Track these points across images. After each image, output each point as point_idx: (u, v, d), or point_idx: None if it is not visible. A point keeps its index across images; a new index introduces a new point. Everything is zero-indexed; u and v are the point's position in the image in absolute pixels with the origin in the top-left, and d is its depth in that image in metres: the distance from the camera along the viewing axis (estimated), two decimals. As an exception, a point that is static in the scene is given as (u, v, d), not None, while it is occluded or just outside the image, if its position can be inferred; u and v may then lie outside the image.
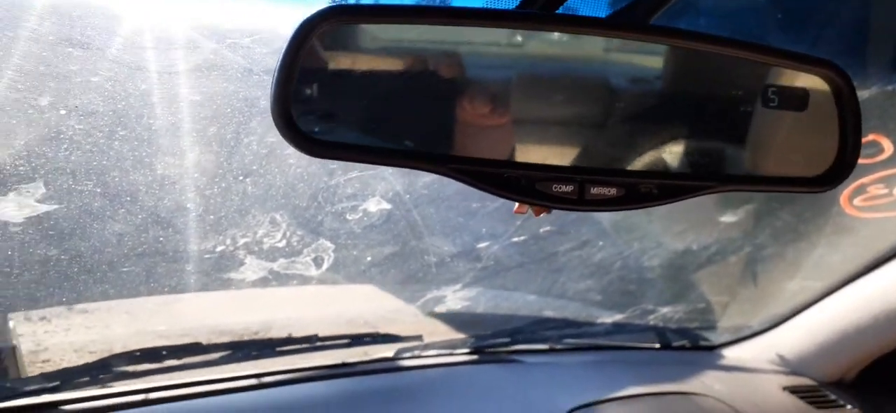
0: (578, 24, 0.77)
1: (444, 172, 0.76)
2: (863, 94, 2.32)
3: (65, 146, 2.14)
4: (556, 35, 0.78)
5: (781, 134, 0.86)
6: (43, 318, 2.93)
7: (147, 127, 2.13)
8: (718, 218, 3.43)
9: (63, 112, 1.99)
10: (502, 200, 0.84)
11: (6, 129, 2.03)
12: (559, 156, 0.79)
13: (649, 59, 0.81)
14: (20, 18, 1.75)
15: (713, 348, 3.60)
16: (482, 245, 3.33)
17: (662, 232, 3.74)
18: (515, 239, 3.40)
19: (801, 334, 3.11)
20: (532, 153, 0.78)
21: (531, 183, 0.76)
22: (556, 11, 0.80)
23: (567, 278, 3.69)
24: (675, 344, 3.53)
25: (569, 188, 0.76)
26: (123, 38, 1.84)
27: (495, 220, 3.25)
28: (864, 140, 2.79)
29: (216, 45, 1.95)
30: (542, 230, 3.40)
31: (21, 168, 2.16)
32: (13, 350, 2.69)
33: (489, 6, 0.84)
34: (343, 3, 0.82)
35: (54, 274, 2.67)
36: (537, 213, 0.94)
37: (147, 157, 2.27)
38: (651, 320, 3.78)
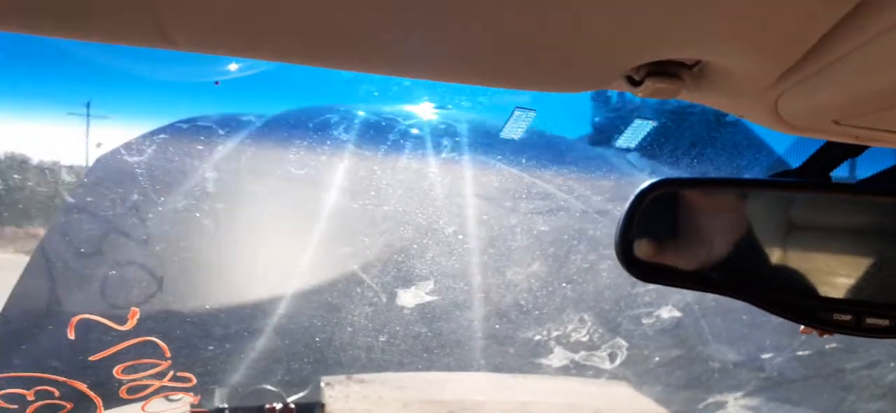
0: (847, 191, 0.94)
1: (745, 299, 0.94)
2: None
3: (453, 258, 3.31)
4: (831, 197, 0.96)
5: None
6: (327, 384, 3.93)
7: (508, 247, 3.21)
8: None
9: (460, 237, 3.16)
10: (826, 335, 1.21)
11: (422, 247, 3.26)
12: (840, 289, 0.94)
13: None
14: (449, 182, 2.95)
15: None
16: (766, 355, 3.79)
17: (969, 360, 3.77)
18: (800, 352, 3.78)
19: None
20: (818, 286, 0.94)
21: (815, 311, 0.92)
22: (829, 179, 0.94)
23: (856, 397, 3.91)
24: None
25: (847, 317, 0.90)
26: (506, 191, 2.93)
27: (780, 334, 3.70)
28: None
29: (566, 195, 2.95)
30: (827, 346, 3.73)
31: (424, 271, 3.38)
32: (322, 407, 3.75)
33: (773, 178, 1.04)
34: (669, 177, 1.04)
35: (419, 346, 3.87)
36: (821, 334, 1.41)
37: (501, 267, 3.35)
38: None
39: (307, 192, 3.13)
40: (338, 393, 3.61)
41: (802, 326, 1.03)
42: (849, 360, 3.88)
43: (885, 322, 0.91)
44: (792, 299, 0.95)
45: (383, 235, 3.13)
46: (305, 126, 3.24)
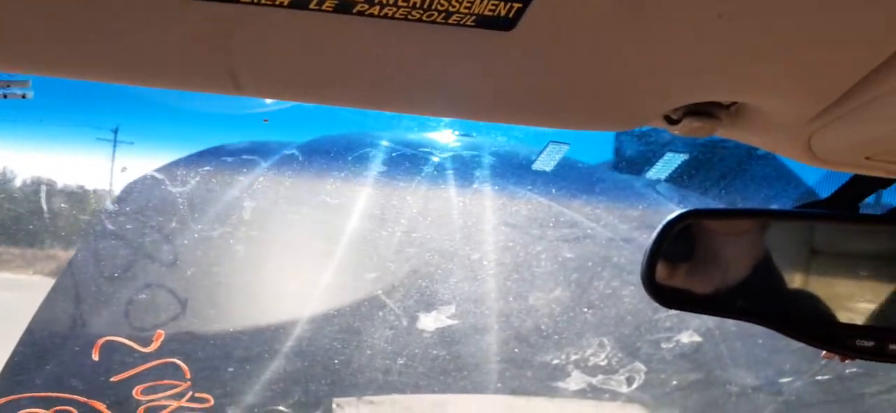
0: (874, 222, 0.99)
1: (769, 325, 0.99)
2: None
3: (477, 283, 3.40)
4: (857, 227, 1.01)
5: None
6: (338, 406, 4.05)
7: (532, 273, 3.30)
8: None
9: (485, 263, 3.25)
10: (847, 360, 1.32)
11: (446, 273, 3.35)
12: (863, 316, 1.00)
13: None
14: (475, 210, 3.05)
15: None
16: (785, 380, 3.88)
17: None
18: (819, 377, 3.87)
19: None
20: (841, 313, 1.00)
21: (839, 337, 0.98)
22: (857, 210, 0.97)
23: (874, 423, 4.00)
24: None
25: (870, 343, 0.95)
26: (534, 219, 3.03)
27: (799, 358, 3.79)
28: None
29: (593, 224, 3.05)
30: (847, 371, 3.82)
31: (446, 296, 3.48)
32: None
33: (800, 208, 1.06)
34: (697, 208, 1.06)
35: (437, 369, 3.95)
36: (842, 360, 1.48)
37: (524, 292, 3.45)
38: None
39: (335, 219, 3.23)
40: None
41: (825, 352, 1.10)
42: (868, 385, 3.97)
43: None
44: (816, 326, 1.00)
45: (409, 261, 3.23)
46: (335, 154, 3.35)
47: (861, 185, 0.95)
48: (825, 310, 1.01)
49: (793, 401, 3.97)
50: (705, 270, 1.04)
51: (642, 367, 3.91)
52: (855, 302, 1.02)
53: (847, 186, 0.97)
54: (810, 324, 1.01)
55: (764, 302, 1.02)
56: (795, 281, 1.04)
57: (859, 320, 1.01)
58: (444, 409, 4.08)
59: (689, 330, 3.61)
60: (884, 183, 0.95)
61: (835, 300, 1.02)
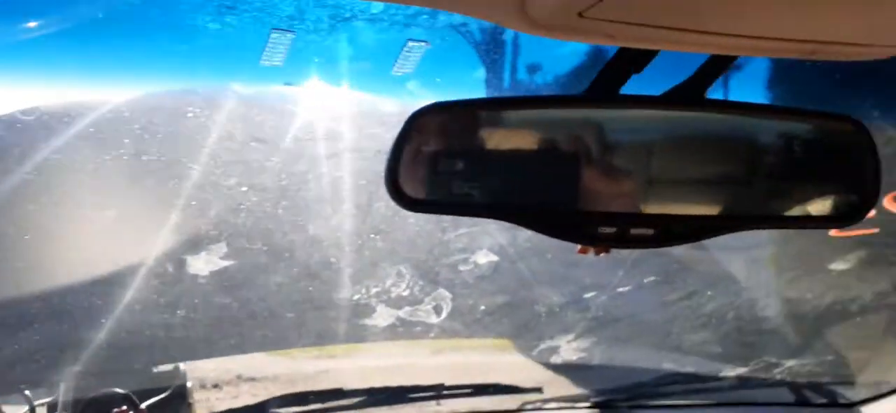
0: (638, 103, 0.97)
1: (516, 221, 1.00)
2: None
3: (243, 215, 3.11)
4: (603, 113, 0.99)
5: (807, 179, 1.04)
6: (215, 386, 3.73)
7: (303, 198, 3.04)
8: (828, 266, 3.69)
9: (244, 189, 2.95)
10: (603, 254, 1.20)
11: (203, 204, 3.02)
12: (605, 204, 0.97)
13: (691, 121, 1.02)
14: (218, 121, 2.72)
15: (852, 405, 3.69)
16: (589, 295, 3.88)
17: (773, 280, 4.05)
18: (621, 289, 3.90)
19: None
20: (585, 203, 0.98)
21: (581, 227, 0.98)
22: (618, 93, 0.95)
23: (680, 329, 4.10)
24: (813, 401, 3.61)
25: (611, 230, 0.96)
26: (289, 132, 2.75)
27: (597, 272, 3.80)
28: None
29: (356, 135, 2.81)
30: (646, 281, 3.87)
31: (212, 233, 3.15)
32: (190, 407, 3.51)
33: (552, 95, 1.19)
34: (440, 102, 1.02)
35: (227, 319, 3.64)
36: (597, 253, 1.40)
37: (301, 222, 3.19)
38: (777, 374, 4.05)
39: (37, 136, 2.79)
40: (226, 393, 3.26)
41: (579, 247, 1.09)
42: (667, 293, 4.05)
43: (650, 231, 0.97)
44: (558, 217, 0.98)
45: (152, 191, 2.86)
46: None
47: (614, 71, 0.93)
48: (572, 200, 0.99)
49: (600, 316, 3.97)
50: (451, 169, 1.00)
51: (447, 293, 3.77)
52: (598, 190, 1.00)
53: (602, 73, 0.94)
54: (556, 216, 0.99)
55: (513, 197, 1.00)
56: (543, 172, 1.00)
57: (602, 207, 0.99)
58: (328, 377, 3.78)
59: (483, 249, 3.50)
60: (637, 67, 0.92)
61: (582, 190, 0.99)
